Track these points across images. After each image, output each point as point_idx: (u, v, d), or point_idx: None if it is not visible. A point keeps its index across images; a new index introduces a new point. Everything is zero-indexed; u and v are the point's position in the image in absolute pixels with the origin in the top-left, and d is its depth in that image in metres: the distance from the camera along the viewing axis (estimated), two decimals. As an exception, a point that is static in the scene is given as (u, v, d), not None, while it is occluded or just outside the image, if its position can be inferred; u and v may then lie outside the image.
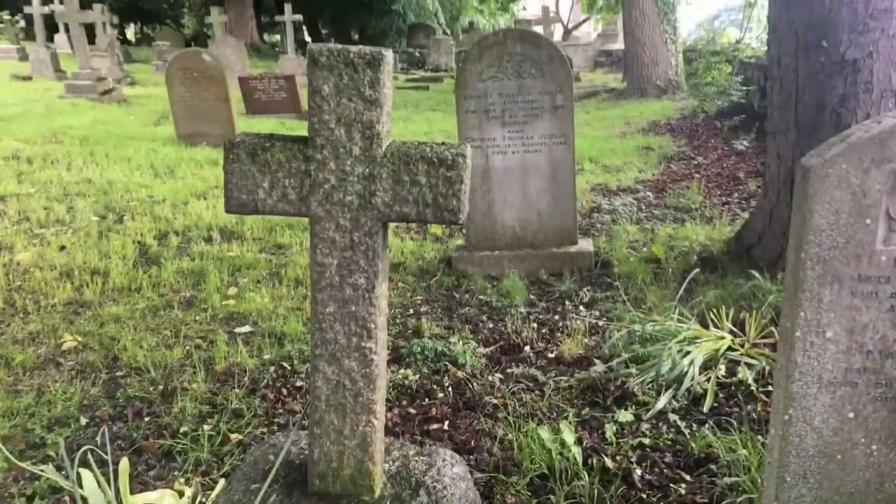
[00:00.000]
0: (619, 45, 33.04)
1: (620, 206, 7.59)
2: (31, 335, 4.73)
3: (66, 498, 3.05)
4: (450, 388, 3.96)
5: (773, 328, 4.15)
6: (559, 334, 4.66)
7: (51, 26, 27.45)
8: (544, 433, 3.31)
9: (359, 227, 2.39)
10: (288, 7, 24.36)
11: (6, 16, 32.27)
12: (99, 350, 4.49)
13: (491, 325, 4.85)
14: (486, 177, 5.75)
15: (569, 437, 3.28)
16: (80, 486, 2.51)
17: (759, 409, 3.58)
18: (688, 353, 3.90)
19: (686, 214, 7.29)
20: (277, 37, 45.93)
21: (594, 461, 3.23)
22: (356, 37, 44.19)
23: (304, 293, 5.40)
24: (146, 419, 3.72)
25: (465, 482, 2.78)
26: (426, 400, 3.86)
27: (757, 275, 4.80)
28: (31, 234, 6.77)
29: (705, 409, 3.60)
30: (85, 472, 2.56)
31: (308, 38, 45.05)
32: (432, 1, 42.68)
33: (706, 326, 4.27)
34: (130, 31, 52.86)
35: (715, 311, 4.39)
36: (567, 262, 5.82)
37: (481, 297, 5.34)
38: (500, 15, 46.48)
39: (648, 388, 3.79)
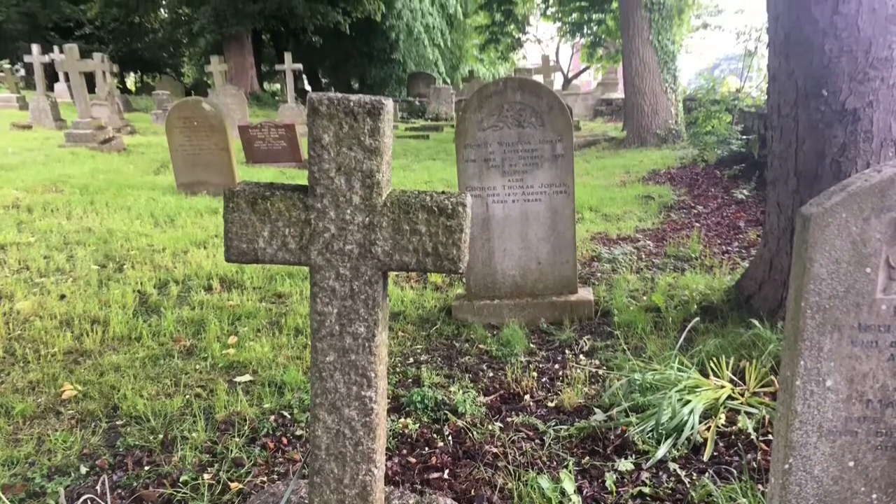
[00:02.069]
0: (619, 93, 33.30)
1: (620, 255, 7.63)
2: (31, 384, 4.74)
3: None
4: (450, 437, 3.98)
5: (773, 377, 4.18)
6: (559, 383, 4.68)
7: (51, 75, 27.72)
8: (544, 482, 3.33)
9: (359, 276, 2.42)
10: (288, 56, 24.59)
11: (6, 65, 32.55)
12: (99, 399, 4.51)
13: (491, 374, 4.86)
14: (486, 226, 5.80)
15: (569, 486, 3.30)
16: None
17: (759, 457, 3.59)
18: (688, 401, 3.92)
19: (686, 263, 7.33)
20: (277, 86, 46.29)
21: (595, 510, 3.24)
22: (356, 85, 44.54)
23: (304, 342, 5.42)
24: (146, 468, 3.73)
25: (465, 531, 2.79)
26: (426, 449, 3.87)
27: (757, 324, 4.83)
28: (32, 283, 6.80)
29: (705, 458, 3.61)
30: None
31: (308, 87, 45.42)
32: (432, 50, 43.13)
33: (706, 375, 4.30)
34: (130, 80, 53.31)
35: (715, 359, 4.42)
36: (567, 311, 5.85)
37: (481, 345, 5.37)
38: (500, 64, 46.90)
39: (648, 437, 3.80)
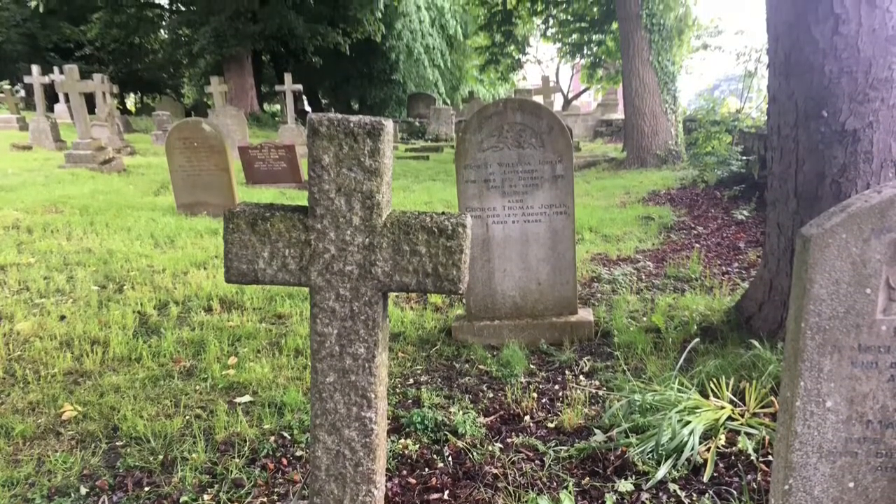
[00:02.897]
0: (619, 114, 33.39)
1: (620, 276, 7.65)
2: (31, 405, 4.75)
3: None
4: (450, 458, 3.98)
5: (773, 398, 4.19)
6: (559, 404, 4.69)
7: (51, 96, 27.81)
8: (544, 503, 3.33)
9: (359, 297, 2.44)
10: (288, 77, 24.68)
11: (6, 85, 32.70)
12: (99, 420, 4.52)
13: (491, 395, 4.87)
14: (486, 246, 5.82)
15: (569, 507, 3.30)
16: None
17: (759, 478, 3.60)
18: (688, 422, 3.92)
19: (686, 284, 7.35)
20: (277, 106, 46.44)
21: (595, 531, 3.24)
22: (356, 106, 44.68)
23: (304, 363, 5.43)
24: (146, 489, 3.73)
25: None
26: (426, 470, 3.88)
27: (757, 344, 4.84)
28: (31, 304, 6.82)
29: (705, 479, 3.62)
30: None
31: (308, 108, 45.53)
32: (432, 71, 43.28)
33: (706, 396, 4.31)
34: (130, 101, 53.47)
35: (715, 380, 4.43)
36: (567, 332, 5.86)
37: (481, 366, 5.38)
38: (500, 84, 47.01)
39: (648, 458, 3.81)
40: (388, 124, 2.34)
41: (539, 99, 23.37)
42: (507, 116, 5.58)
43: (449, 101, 45.24)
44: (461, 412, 4.51)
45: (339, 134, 2.31)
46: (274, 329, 6.24)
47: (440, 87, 44.96)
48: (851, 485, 2.25)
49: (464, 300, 6.27)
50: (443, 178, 18.08)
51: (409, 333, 6.11)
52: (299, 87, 25.63)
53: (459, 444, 4.12)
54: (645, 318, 6.25)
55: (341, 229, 2.37)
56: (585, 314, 6.05)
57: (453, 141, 28.73)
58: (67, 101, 23.37)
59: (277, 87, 27.11)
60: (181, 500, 3.59)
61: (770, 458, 3.70)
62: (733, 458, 3.81)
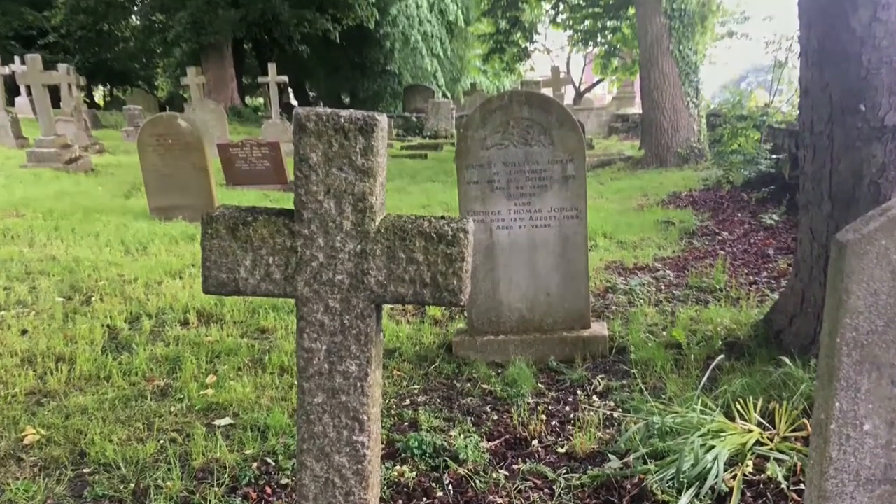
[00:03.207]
0: (635, 109, 33.42)
1: (638, 286, 7.65)
2: (-11, 428, 4.76)
3: None
4: (450, 487, 3.99)
5: (805, 420, 4.19)
6: (570, 427, 4.69)
7: (12, 88, 27.80)
8: (554, 536, 3.34)
9: (350, 310, 2.44)
10: (272, 67, 24.71)
11: (-37, 77, 32.67)
12: (64, 444, 4.52)
13: (495, 417, 4.88)
14: (490, 254, 5.83)
15: (581, 540, 3.31)
16: None
17: (790, 509, 3.60)
18: (712, 447, 3.93)
19: (710, 295, 7.36)
20: (260, 100, 46.46)
21: (609, 567, 3.25)
22: (347, 100, 44.72)
23: (289, 382, 5.44)
24: (115, 521, 3.74)
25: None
26: (424, 499, 3.88)
27: (788, 361, 4.85)
28: (-11, 317, 6.83)
29: (731, 510, 3.62)
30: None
31: (294, 102, 45.58)
32: (431, 61, 43.29)
33: (732, 418, 4.31)
34: (99, 94, 53.46)
35: (741, 401, 4.43)
36: (579, 348, 5.87)
37: (484, 385, 5.38)
38: (506, 76, 47.10)
39: (668, 487, 3.81)
40: (383, 119, 2.35)
41: (548, 92, 23.40)
42: (513, 111, 5.59)
43: (449, 95, 45.25)
44: (462, 436, 4.51)
45: (328, 130, 2.32)
46: (257, 345, 6.25)
47: (439, 78, 44.98)
48: (891, 516, 2.24)
49: (465, 313, 6.28)
50: (442, 179, 18.11)
51: (406, 349, 6.12)
52: (284, 78, 25.66)
53: (460, 470, 4.12)
54: (664, 333, 6.26)
55: (331, 235, 2.38)
56: (599, 328, 6.06)
57: (453, 138, 28.77)
58: (30, 93, 23.38)
59: (260, 79, 27.13)
60: (155, 533, 3.59)
61: (802, 486, 3.70)
62: (762, 486, 3.81)
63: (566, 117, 5.63)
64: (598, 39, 32.91)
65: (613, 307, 7.13)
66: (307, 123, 2.33)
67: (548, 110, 5.59)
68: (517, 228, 5.78)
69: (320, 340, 2.47)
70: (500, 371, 5.63)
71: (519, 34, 35.77)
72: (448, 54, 46.45)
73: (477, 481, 4.02)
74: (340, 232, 2.37)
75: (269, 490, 4.01)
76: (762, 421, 4.29)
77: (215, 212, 2.45)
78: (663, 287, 7.75)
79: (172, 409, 5.05)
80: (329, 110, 2.33)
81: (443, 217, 2.41)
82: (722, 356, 5.26)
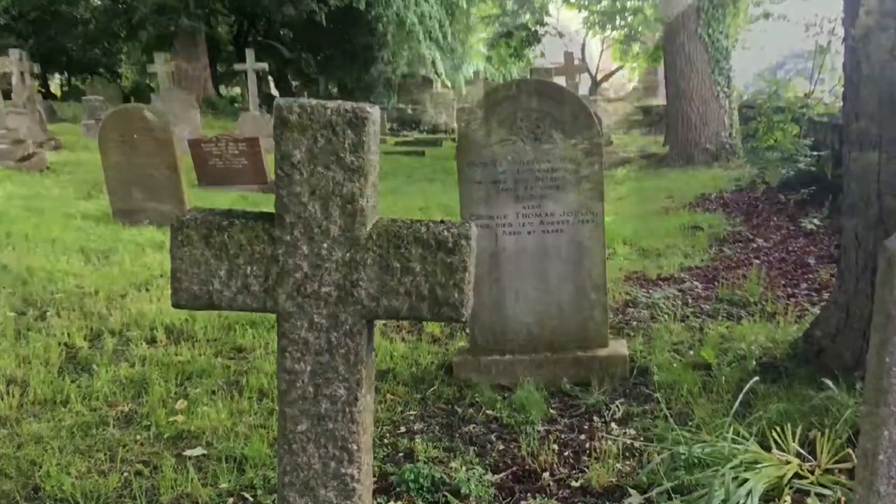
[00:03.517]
0: (659, 100, 33.46)
1: (661, 300, 7.66)
2: (-68, 459, 4.76)
3: None
4: (450, 525, 3.99)
5: (850, 450, 4.19)
6: (586, 458, 4.70)
7: (-43, 78, 27.81)
8: (568, 580, 3.35)
9: (337, 326, 2.45)
10: (250, 54, 24.75)
11: None
12: (16, 477, 4.52)
13: (501, 447, 4.88)
14: (495, 263, 5.83)
15: (598, 585, 3.32)
16: None
17: (833, 550, 3.61)
18: (745, 481, 3.93)
19: (743, 310, 7.36)
20: (237, 90, 46.45)
21: None
22: (335, 90, 44.66)
23: (269, 407, 5.44)
24: (74, 563, 3.74)
25: None
26: (421, 539, 3.89)
27: (830, 384, 4.85)
28: (-68, 334, 6.84)
29: (767, 551, 3.63)
30: None
31: (275, 92, 45.56)
32: (428, 46, 43.23)
33: (768, 448, 4.31)
34: (55, 83, 53.37)
35: (778, 428, 4.44)
36: (595, 369, 5.86)
37: (489, 411, 5.39)
38: (513, 63, 47.05)
39: (696, 525, 3.82)
40: (375, 112, 2.35)
41: (560, 81, 23.43)
42: (522, 102, 5.60)
43: (450, 84, 45.26)
44: (464, 468, 4.52)
45: (313, 124, 2.33)
46: (233, 365, 6.26)
47: (438, 66, 44.85)
48: (945, 557, 2.24)
49: (467, 329, 6.28)
50: (441, 179, 18.14)
51: (401, 371, 6.13)
52: (264, 65, 25.73)
53: (462, 507, 4.13)
54: (691, 352, 6.26)
55: (316, 242, 2.39)
56: (618, 347, 6.06)
57: (454, 133, 28.79)
58: (-23, 83, 23.41)
59: (237, 67, 27.21)
60: (118, 577, 3.60)
61: (846, 524, 3.71)
62: (801, 524, 3.82)
63: (581, 109, 5.63)
64: (617, 22, 32.98)
65: (634, 323, 7.14)
66: (290, 116, 2.34)
67: (560, 101, 5.59)
68: (526, 234, 5.78)
69: (304, 360, 2.47)
70: (506, 395, 5.64)
71: (528, 16, 35.86)
72: (448, 38, 46.39)
73: (480, 519, 4.03)
74: (327, 238, 2.38)
75: (246, 529, 4.02)
76: (801, 451, 4.29)
77: (186, 216, 2.46)
78: (690, 300, 7.76)
79: (138, 437, 5.06)
80: (314, 102, 2.34)
81: (442, 222, 2.42)
82: (756, 378, 5.26)
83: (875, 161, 5.04)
